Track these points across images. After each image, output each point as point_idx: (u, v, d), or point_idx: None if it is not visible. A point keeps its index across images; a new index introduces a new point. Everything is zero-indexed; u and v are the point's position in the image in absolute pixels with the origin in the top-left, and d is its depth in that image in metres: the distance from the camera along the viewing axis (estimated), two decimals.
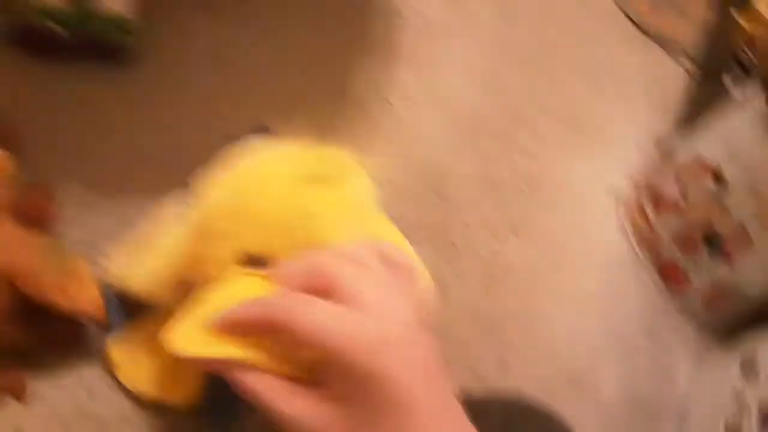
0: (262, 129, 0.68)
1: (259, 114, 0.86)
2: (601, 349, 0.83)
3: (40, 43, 0.80)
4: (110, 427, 0.63)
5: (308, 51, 0.97)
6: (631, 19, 1.28)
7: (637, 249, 0.94)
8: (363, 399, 0.35)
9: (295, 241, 0.47)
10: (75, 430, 0.62)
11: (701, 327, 0.90)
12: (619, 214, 0.98)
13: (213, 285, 0.46)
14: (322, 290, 0.37)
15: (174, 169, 0.78)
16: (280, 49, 0.95)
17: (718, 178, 0.85)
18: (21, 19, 0.79)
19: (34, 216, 0.67)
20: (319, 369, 0.37)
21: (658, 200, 0.93)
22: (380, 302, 0.36)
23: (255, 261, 0.47)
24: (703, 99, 1.11)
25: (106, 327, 0.65)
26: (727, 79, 1.12)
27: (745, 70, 1.12)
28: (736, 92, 1.06)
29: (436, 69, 1.06)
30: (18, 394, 0.61)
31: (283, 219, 0.48)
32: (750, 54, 1.11)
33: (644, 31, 1.27)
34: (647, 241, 0.93)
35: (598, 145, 1.06)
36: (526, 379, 0.78)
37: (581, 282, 0.88)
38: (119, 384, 0.65)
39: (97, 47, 0.82)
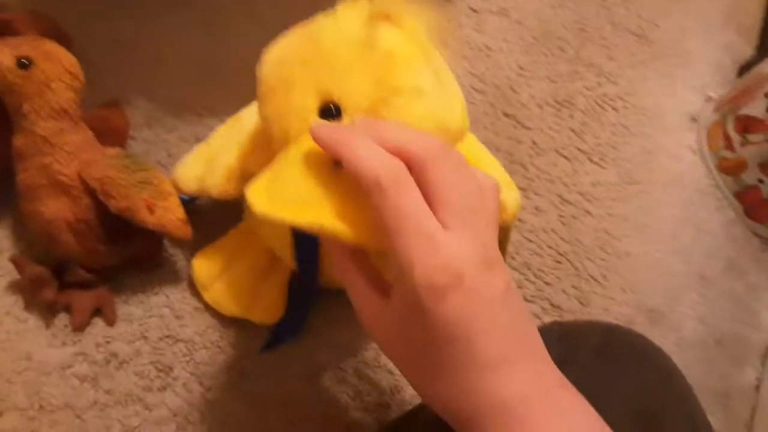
0: None
1: None
2: (681, 286, 0.81)
3: None
4: (196, 346, 0.64)
5: None
6: None
7: (717, 176, 0.91)
8: (421, 326, 0.34)
9: (375, 82, 0.45)
10: (162, 349, 0.63)
11: None
12: (699, 138, 0.94)
13: (296, 142, 0.44)
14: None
15: (236, 86, 0.77)
16: None
17: None
18: None
19: (108, 131, 0.66)
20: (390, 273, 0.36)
21: (742, 122, 0.89)
22: (466, 222, 0.34)
23: (336, 110, 0.45)
24: None
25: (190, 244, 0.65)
26: None
27: None
28: None
29: None
30: (107, 314, 0.62)
31: (360, 58, 0.46)
32: None
33: None
34: (729, 167, 0.90)
35: (672, 62, 1.01)
36: (605, 313, 0.77)
37: (658, 211, 0.86)
38: (203, 303, 0.65)
39: None
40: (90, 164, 0.58)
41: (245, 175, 0.59)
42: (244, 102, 0.76)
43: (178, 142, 0.73)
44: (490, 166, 0.63)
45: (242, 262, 0.65)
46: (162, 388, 0.62)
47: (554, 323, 0.40)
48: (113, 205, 0.57)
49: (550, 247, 0.80)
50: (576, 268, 0.79)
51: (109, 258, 0.61)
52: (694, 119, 0.96)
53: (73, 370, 0.61)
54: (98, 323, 0.63)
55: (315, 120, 0.45)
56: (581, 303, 0.77)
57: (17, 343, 0.61)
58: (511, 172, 0.72)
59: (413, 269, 0.33)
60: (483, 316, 0.33)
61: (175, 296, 0.66)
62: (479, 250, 0.34)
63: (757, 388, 0.77)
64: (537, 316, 0.75)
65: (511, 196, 0.59)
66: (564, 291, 0.77)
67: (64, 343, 0.62)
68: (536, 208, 0.82)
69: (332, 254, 0.40)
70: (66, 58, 0.59)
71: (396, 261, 0.34)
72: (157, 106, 0.74)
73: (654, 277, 0.81)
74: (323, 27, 0.47)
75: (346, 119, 0.44)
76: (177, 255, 0.68)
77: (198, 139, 0.73)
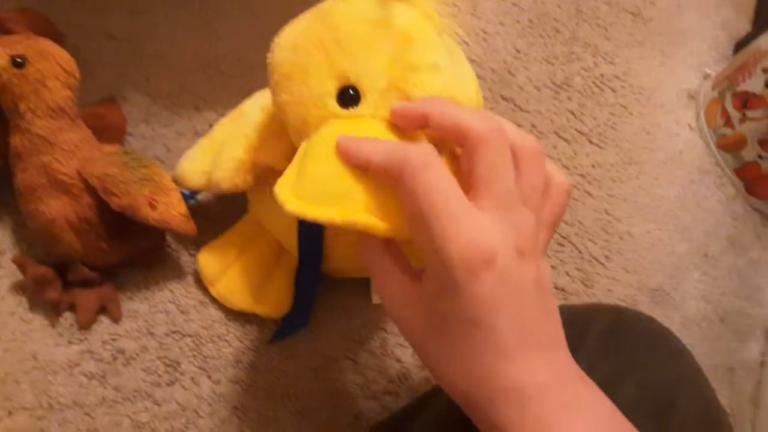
0: None
1: None
2: (684, 264, 0.81)
3: None
4: (202, 341, 0.64)
5: None
6: None
7: (717, 153, 0.91)
8: (451, 304, 0.34)
9: (392, 61, 0.45)
10: (169, 344, 0.64)
11: None
12: (698, 116, 0.94)
13: (318, 135, 0.44)
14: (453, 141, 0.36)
15: (234, 79, 0.77)
16: None
17: None
18: None
19: (106, 128, 0.66)
20: (422, 257, 0.37)
21: (740, 98, 0.89)
22: (503, 207, 0.35)
23: (354, 93, 0.45)
24: None
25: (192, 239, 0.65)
26: None
27: None
28: None
29: None
30: (112, 311, 0.62)
31: (376, 38, 0.45)
32: None
33: None
34: (728, 144, 0.91)
35: (668, 40, 1.01)
36: (609, 295, 0.77)
37: (659, 191, 0.86)
38: (208, 298, 0.66)
39: None
40: (90, 162, 0.58)
41: (254, 167, 0.59)
42: (241, 94, 0.76)
43: (176, 136, 0.73)
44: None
45: (248, 255, 0.65)
46: (170, 383, 0.63)
47: (562, 306, 0.40)
48: (115, 202, 0.57)
49: None
50: (579, 251, 0.79)
51: (112, 255, 0.61)
52: (692, 97, 0.97)
53: (80, 368, 0.62)
54: (104, 321, 0.64)
55: (333, 105, 0.45)
56: (585, 285, 0.77)
57: (23, 343, 0.61)
58: None
59: (449, 245, 0.33)
60: (510, 301, 0.34)
61: (179, 291, 0.66)
62: (512, 237, 0.34)
63: (762, 363, 0.78)
64: None
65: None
66: (568, 273, 0.78)
67: (70, 342, 0.62)
68: None
69: (360, 244, 0.41)
70: (61, 55, 0.59)
71: (430, 240, 0.34)
72: (153, 102, 0.74)
73: (656, 256, 0.81)
74: (336, 9, 0.46)
75: (363, 102, 0.44)
76: (180, 250, 0.68)
77: (196, 133, 0.73)
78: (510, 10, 0.97)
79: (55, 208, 0.58)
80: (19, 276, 0.62)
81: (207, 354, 0.64)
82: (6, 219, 0.66)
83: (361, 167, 0.38)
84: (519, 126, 0.85)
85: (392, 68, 0.44)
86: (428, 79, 0.44)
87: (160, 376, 0.63)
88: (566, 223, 0.81)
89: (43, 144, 0.58)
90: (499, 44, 0.93)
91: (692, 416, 0.47)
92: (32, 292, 0.62)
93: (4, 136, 0.59)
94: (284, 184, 0.40)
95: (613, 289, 0.78)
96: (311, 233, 0.59)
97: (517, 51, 0.94)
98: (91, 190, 0.58)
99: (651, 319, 0.54)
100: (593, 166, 0.86)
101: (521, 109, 0.89)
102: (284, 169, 0.56)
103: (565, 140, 0.87)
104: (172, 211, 0.61)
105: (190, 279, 0.67)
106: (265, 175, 0.60)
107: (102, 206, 0.59)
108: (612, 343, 0.51)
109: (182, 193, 0.63)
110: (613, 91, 0.93)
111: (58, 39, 0.64)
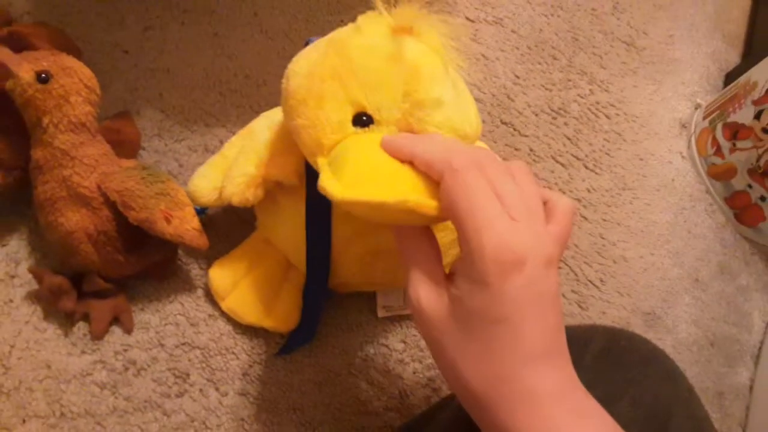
0: None
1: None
2: (675, 289, 0.85)
3: None
4: (211, 353, 0.66)
5: None
6: None
7: (708, 181, 0.95)
8: (479, 301, 0.36)
9: (403, 95, 0.49)
10: (179, 356, 0.65)
11: None
12: (690, 145, 0.98)
13: (345, 141, 0.48)
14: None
15: (242, 96, 0.79)
16: None
17: None
18: None
19: (121, 143, 0.68)
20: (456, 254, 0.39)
21: (730, 129, 0.93)
22: (529, 220, 0.37)
23: (368, 118, 0.49)
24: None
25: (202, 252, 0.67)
26: None
27: None
28: None
29: None
30: (124, 322, 0.64)
31: (389, 72, 0.49)
32: None
33: None
34: (719, 173, 0.94)
35: (661, 69, 1.05)
36: (603, 317, 0.80)
37: (651, 216, 0.89)
38: (217, 311, 0.67)
39: None
40: (109, 176, 0.60)
41: (264, 181, 0.61)
42: (249, 111, 0.78)
43: (188, 151, 0.75)
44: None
45: (257, 271, 0.67)
46: (179, 394, 0.64)
47: None
48: (133, 216, 0.59)
49: None
50: (575, 273, 0.82)
51: (128, 268, 0.63)
52: (684, 126, 1.00)
53: (92, 378, 0.63)
54: (116, 331, 0.65)
55: (350, 128, 0.48)
56: (581, 307, 0.80)
57: (37, 352, 0.63)
58: None
59: (483, 243, 0.35)
60: (535, 307, 0.36)
61: (189, 304, 0.68)
62: (541, 246, 0.37)
63: (751, 388, 0.81)
64: None
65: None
66: (564, 296, 0.80)
67: (83, 352, 0.64)
68: None
69: (399, 235, 0.43)
70: (83, 72, 0.61)
71: (465, 239, 0.36)
72: (165, 117, 0.76)
73: (649, 280, 0.84)
74: (351, 42, 0.49)
75: (377, 125, 0.48)
76: (190, 264, 0.70)
77: (207, 149, 0.75)
78: (510, 37, 1.00)
79: (74, 221, 0.60)
80: (34, 285, 0.64)
81: (215, 366, 0.66)
82: (22, 229, 0.67)
83: (404, 161, 0.42)
84: (517, 150, 0.89)
85: (403, 102, 0.48)
86: (432, 114, 0.49)
87: (169, 387, 0.64)
88: None
89: (64, 158, 0.60)
90: (499, 70, 0.97)
91: None
92: (48, 301, 0.63)
93: (26, 149, 0.61)
94: (327, 180, 0.43)
95: (607, 311, 0.81)
96: (318, 249, 0.62)
97: (517, 77, 0.97)
98: (109, 203, 0.60)
99: (645, 341, 0.57)
100: (589, 191, 0.90)
101: (520, 134, 0.92)
102: (293, 183, 0.59)
103: (562, 165, 0.91)
104: (186, 226, 0.63)
105: (200, 292, 0.69)
106: (273, 192, 0.62)
107: (120, 220, 0.61)
108: (608, 362, 0.53)
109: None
110: (608, 118, 0.97)
111: (76, 54, 0.66)
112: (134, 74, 0.78)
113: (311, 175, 0.58)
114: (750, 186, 0.90)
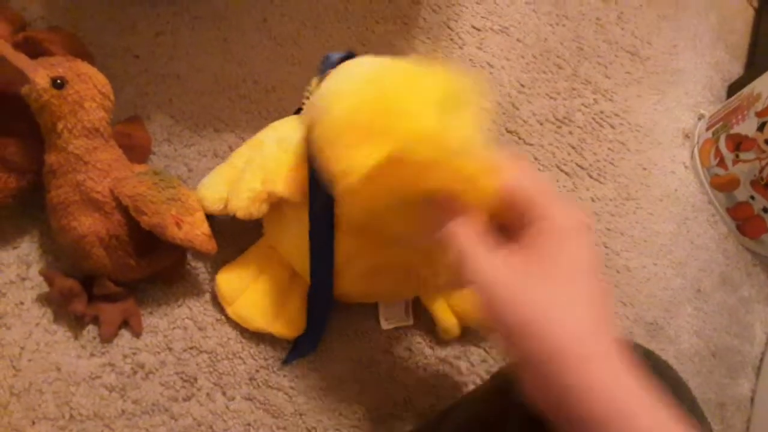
0: (349, 56, 0.69)
1: (325, 48, 0.88)
2: (678, 299, 0.86)
3: None
4: (218, 357, 0.67)
5: None
6: None
7: (710, 192, 0.97)
8: (568, 255, 0.40)
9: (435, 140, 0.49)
10: (187, 360, 0.67)
11: None
12: (693, 155, 1.00)
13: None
14: None
15: (251, 102, 0.81)
16: None
17: None
18: None
19: (132, 147, 0.69)
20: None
21: (733, 140, 0.95)
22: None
23: None
24: None
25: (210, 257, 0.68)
26: None
27: None
28: None
29: None
30: (133, 326, 0.65)
31: (426, 115, 0.49)
32: None
33: None
34: (721, 184, 0.96)
35: (664, 79, 1.06)
36: None
37: (654, 226, 0.91)
38: (224, 315, 0.69)
39: None
40: (122, 181, 0.62)
41: (269, 197, 0.62)
42: (258, 117, 0.80)
43: (197, 156, 0.76)
44: None
45: (264, 277, 0.68)
46: (187, 398, 0.66)
47: None
48: (145, 221, 0.61)
49: None
50: None
51: (138, 272, 0.64)
52: (687, 136, 1.02)
53: (101, 381, 0.64)
54: (124, 335, 0.66)
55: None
56: None
57: (47, 354, 0.64)
58: None
59: (558, 207, 0.41)
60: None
61: (197, 308, 0.69)
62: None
63: (752, 399, 0.83)
64: None
65: None
66: None
67: (92, 354, 0.65)
68: None
69: (442, 219, 0.44)
70: (98, 78, 0.63)
71: (534, 210, 0.41)
72: (175, 122, 0.78)
73: (652, 290, 0.86)
74: (398, 89, 0.49)
75: None
76: (199, 268, 0.71)
77: (216, 154, 0.77)
78: (515, 45, 1.02)
79: (87, 225, 0.61)
80: (44, 288, 0.65)
81: (222, 371, 0.67)
82: (33, 232, 0.68)
83: None
84: (521, 158, 0.91)
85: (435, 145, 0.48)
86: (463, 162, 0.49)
87: (177, 390, 0.66)
88: None
89: (78, 162, 0.61)
90: (504, 78, 0.98)
91: None
92: (58, 304, 0.64)
93: (39, 153, 0.62)
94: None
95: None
96: (322, 264, 0.63)
97: (522, 85, 0.98)
98: (122, 208, 0.61)
99: (649, 352, 0.58)
100: (593, 200, 0.91)
101: (525, 142, 0.93)
102: (299, 200, 0.60)
103: (566, 174, 0.92)
104: (195, 231, 0.64)
105: (207, 296, 0.70)
106: (279, 203, 0.64)
107: (131, 224, 0.62)
108: None
109: None
110: (612, 127, 0.99)
111: (89, 59, 0.67)
112: (145, 79, 0.79)
113: (314, 192, 0.60)
114: (752, 197, 0.91)
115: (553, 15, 1.07)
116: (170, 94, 0.79)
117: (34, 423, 0.62)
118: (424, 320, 0.74)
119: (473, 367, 0.74)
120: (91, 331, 0.66)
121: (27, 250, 0.68)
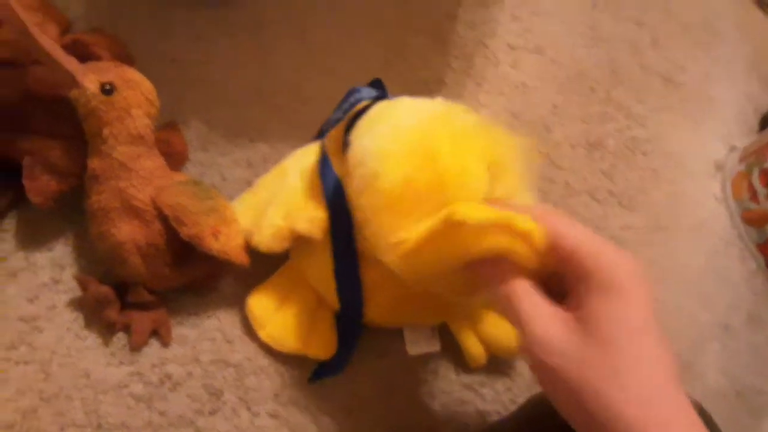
0: (376, 84, 0.71)
1: (360, 59, 0.89)
2: (705, 335, 0.87)
3: None
4: (245, 372, 0.69)
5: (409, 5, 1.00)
6: None
7: (741, 226, 0.98)
8: (620, 317, 0.41)
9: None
10: (213, 373, 0.68)
11: None
12: (724, 187, 1.01)
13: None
14: None
15: (286, 112, 0.82)
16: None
17: None
18: None
19: (170, 154, 0.71)
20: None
21: (767, 175, 0.96)
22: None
23: None
24: None
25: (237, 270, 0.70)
26: None
27: None
28: None
29: (537, 17, 1.07)
30: (163, 335, 0.67)
31: (476, 189, 0.51)
32: None
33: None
34: (753, 219, 0.98)
35: (698, 107, 1.08)
36: None
37: (683, 258, 0.92)
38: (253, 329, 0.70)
39: None
40: (163, 190, 0.63)
41: (291, 233, 0.65)
42: (292, 127, 0.81)
43: (232, 165, 0.78)
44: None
45: (293, 299, 0.70)
46: (212, 412, 0.67)
47: None
48: (184, 231, 0.62)
49: None
50: None
51: (173, 281, 0.66)
52: (719, 167, 1.03)
53: (129, 390, 0.66)
54: (153, 344, 0.68)
55: None
56: None
57: (78, 360, 0.65)
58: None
59: (611, 258, 0.42)
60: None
61: (226, 320, 0.70)
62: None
63: None
64: None
65: None
66: None
67: (121, 362, 0.66)
68: None
69: (499, 278, 0.46)
70: (145, 85, 0.64)
71: (582, 261, 0.42)
72: (210, 129, 0.79)
73: (679, 324, 0.87)
74: (449, 157, 0.51)
75: None
76: (228, 280, 0.72)
77: (250, 164, 0.78)
78: (549, 66, 1.03)
79: (126, 232, 0.62)
80: (77, 292, 0.66)
81: (248, 385, 0.69)
82: (68, 235, 0.70)
83: None
84: (553, 183, 0.92)
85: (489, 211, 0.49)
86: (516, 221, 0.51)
87: (203, 404, 0.67)
88: None
89: (121, 169, 0.62)
90: (537, 99, 1.00)
91: None
92: (91, 310, 0.66)
93: (81, 157, 0.64)
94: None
95: None
96: (350, 289, 0.65)
97: (555, 107, 1.00)
98: (161, 217, 0.63)
99: (702, 409, 0.59)
100: (622, 229, 0.93)
101: (555, 165, 0.95)
102: (321, 238, 0.62)
103: (597, 201, 0.94)
104: (231, 243, 0.65)
105: (237, 309, 0.71)
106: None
107: (170, 233, 0.63)
108: None
109: None
110: (644, 155, 1.00)
111: (130, 63, 0.69)
112: (181, 84, 0.81)
113: (335, 227, 0.63)
114: None
115: (588, 37, 1.09)
116: (206, 100, 0.81)
117: (62, 429, 0.63)
118: (450, 344, 0.75)
119: (498, 395, 0.75)
120: (120, 338, 0.67)
121: (61, 253, 0.69)
